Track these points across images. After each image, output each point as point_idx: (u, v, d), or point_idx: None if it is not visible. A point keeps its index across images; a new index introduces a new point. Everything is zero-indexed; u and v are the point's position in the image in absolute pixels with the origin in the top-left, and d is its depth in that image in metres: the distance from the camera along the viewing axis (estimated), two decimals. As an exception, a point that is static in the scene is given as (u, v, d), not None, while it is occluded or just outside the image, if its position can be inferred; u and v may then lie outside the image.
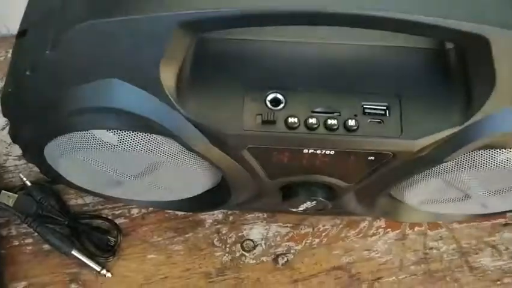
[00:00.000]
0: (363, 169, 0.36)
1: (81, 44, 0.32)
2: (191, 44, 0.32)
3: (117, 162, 0.37)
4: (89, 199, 0.49)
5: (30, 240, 0.47)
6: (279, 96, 0.34)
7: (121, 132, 0.34)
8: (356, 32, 0.34)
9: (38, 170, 0.49)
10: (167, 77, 0.32)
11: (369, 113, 0.34)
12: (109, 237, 0.46)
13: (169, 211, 0.49)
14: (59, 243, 0.45)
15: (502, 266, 0.47)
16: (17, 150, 0.51)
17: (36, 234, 0.47)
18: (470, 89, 0.33)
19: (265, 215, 0.49)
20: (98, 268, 0.45)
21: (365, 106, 0.34)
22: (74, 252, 0.45)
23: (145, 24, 0.31)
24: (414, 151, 0.33)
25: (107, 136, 0.34)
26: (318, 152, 0.34)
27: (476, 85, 0.33)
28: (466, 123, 0.33)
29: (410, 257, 0.47)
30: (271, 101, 0.34)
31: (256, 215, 0.49)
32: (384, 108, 0.34)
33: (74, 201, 0.49)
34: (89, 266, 0.45)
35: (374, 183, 0.38)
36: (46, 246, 0.47)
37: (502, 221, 0.49)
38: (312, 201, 0.39)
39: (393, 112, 0.34)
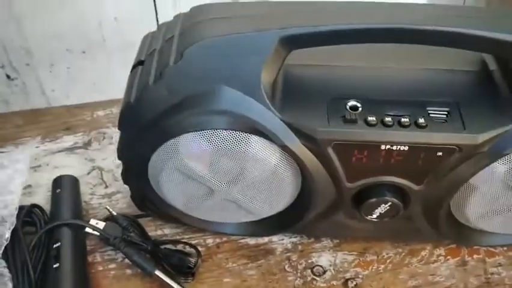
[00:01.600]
0: (432, 167, 0.41)
1: (199, 57, 0.39)
2: (285, 57, 0.40)
3: (214, 166, 0.42)
4: (167, 230, 0.53)
5: (113, 266, 0.50)
6: (357, 103, 0.41)
7: (225, 131, 0.40)
8: (409, 58, 0.42)
9: (120, 208, 0.55)
10: (266, 84, 0.40)
11: (434, 116, 0.40)
12: (189, 258, 0.49)
13: (242, 241, 0.52)
14: (144, 262, 0.48)
15: None
16: (101, 190, 0.57)
17: (119, 260, 0.50)
18: (518, 93, 0.40)
19: (331, 244, 0.52)
20: (178, 288, 0.48)
21: (429, 111, 0.40)
22: (158, 272, 0.48)
23: (250, 40, 0.39)
24: (477, 144, 0.39)
25: (212, 136, 0.40)
26: (394, 148, 0.40)
27: (522, 89, 0.40)
28: (519, 121, 0.39)
29: (473, 281, 0.50)
30: (351, 107, 0.41)
31: (323, 244, 0.52)
32: (446, 112, 0.40)
33: (154, 232, 0.53)
34: (169, 288, 0.48)
35: (441, 186, 0.42)
36: (128, 271, 0.50)
37: (555, 249, 0.52)
38: (386, 203, 0.43)
39: (454, 115, 0.40)
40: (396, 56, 0.44)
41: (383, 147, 0.40)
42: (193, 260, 0.50)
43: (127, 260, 0.50)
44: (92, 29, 0.93)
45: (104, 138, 0.62)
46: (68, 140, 0.62)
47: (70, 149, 0.61)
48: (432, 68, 0.44)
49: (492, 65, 0.43)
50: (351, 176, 0.42)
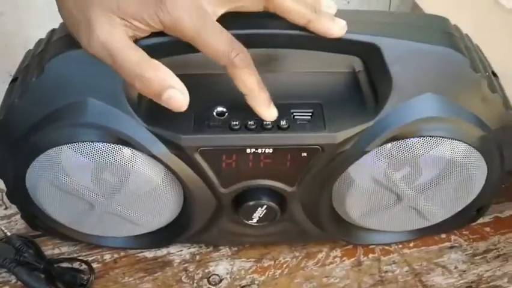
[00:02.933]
0: (300, 168, 0.42)
1: (60, 70, 0.40)
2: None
3: (89, 179, 0.42)
4: (64, 248, 0.53)
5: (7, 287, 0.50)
6: (224, 109, 0.42)
7: (92, 144, 0.40)
8: (278, 61, 0.43)
9: (18, 229, 0.54)
10: (130, 94, 0.40)
11: (298, 118, 0.41)
12: (82, 275, 0.49)
13: (139, 255, 0.52)
14: (34, 282, 0.47)
15: (454, 283, 0.50)
16: (0, 211, 0.56)
17: (12, 282, 0.49)
18: (376, 92, 0.42)
19: (229, 252, 0.52)
20: (70, 306, 0.47)
21: (294, 113, 0.41)
22: (48, 291, 0.47)
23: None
24: (337, 143, 0.40)
25: (80, 148, 0.40)
26: (259, 151, 0.41)
27: (379, 87, 0.41)
28: (376, 119, 0.40)
29: (367, 281, 0.50)
30: (217, 114, 0.41)
31: (221, 252, 0.52)
32: (310, 113, 0.41)
33: (51, 251, 0.52)
34: (61, 306, 0.47)
35: (313, 186, 0.43)
36: (22, 293, 0.49)
37: (448, 244, 0.53)
38: (262, 206, 0.44)
39: (317, 116, 0.41)
40: (267, 60, 0.45)
41: (248, 150, 0.41)
42: (86, 276, 0.49)
43: (20, 281, 0.49)
44: (18, 52, 0.92)
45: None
46: (-30, 164, 0.61)
47: (-27, 173, 0.60)
48: (303, 71, 0.45)
49: (358, 66, 0.45)
50: (225, 182, 0.43)
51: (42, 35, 0.93)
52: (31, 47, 0.96)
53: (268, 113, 0.39)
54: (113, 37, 0.35)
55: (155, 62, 0.36)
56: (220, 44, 0.36)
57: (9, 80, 0.94)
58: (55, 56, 0.40)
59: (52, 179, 0.42)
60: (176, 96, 0.36)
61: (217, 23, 0.37)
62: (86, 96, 0.40)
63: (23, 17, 0.85)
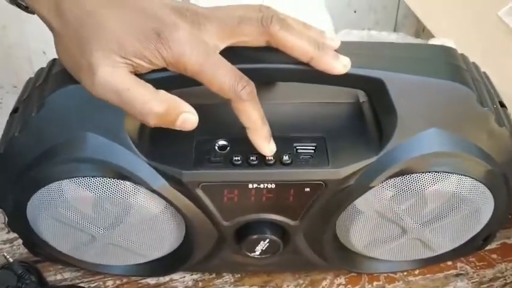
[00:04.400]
0: (303, 203, 0.41)
1: (61, 104, 0.39)
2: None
3: (89, 213, 0.42)
4: (67, 275, 0.52)
5: (8, 315, 0.50)
6: (225, 142, 0.41)
7: (92, 179, 0.40)
8: (283, 92, 0.42)
9: (21, 253, 0.54)
10: (131, 128, 0.40)
11: (301, 152, 0.40)
12: (84, 304, 0.49)
13: (142, 281, 0.52)
14: (35, 311, 0.48)
15: (460, 312, 0.50)
16: (3, 235, 0.56)
17: (15, 308, 0.49)
18: (381, 126, 0.41)
19: (232, 280, 0.52)
20: (71, 335, 0.47)
21: (297, 147, 0.41)
22: (49, 320, 0.47)
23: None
24: (341, 178, 0.39)
25: (81, 183, 0.40)
26: (262, 186, 0.40)
27: (384, 122, 0.41)
28: (381, 153, 0.40)
29: (371, 310, 0.50)
30: (219, 147, 0.41)
31: (224, 279, 0.52)
32: (313, 147, 0.41)
33: (54, 277, 0.52)
34: (63, 336, 0.47)
35: (316, 220, 0.43)
36: (23, 320, 0.49)
37: (453, 272, 0.52)
38: (265, 240, 0.43)
39: (320, 150, 0.41)
40: (268, 91, 0.44)
41: (250, 185, 0.40)
42: (87, 305, 0.49)
43: (22, 309, 0.49)
44: (22, 64, 0.92)
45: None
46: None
47: (-24, 194, 0.60)
48: (306, 102, 0.44)
49: (362, 97, 0.44)
50: (226, 215, 0.42)
51: (45, 47, 0.93)
52: (34, 59, 0.96)
53: (268, 148, 0.39)
54: (117, 77, 0.35)
55: (162, 93, 0.36)
56: (225, 77, 0.36)
57: (13, 91, 0.94)
58: (55, 91, 0.39)
59: (53, 212, 0.42)
60: (189, 118, 0.36)
61: (220, 56, 0.36)
62: (85, 131, 0.39)
63: (26, 30, 0.85)
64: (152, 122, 0.35)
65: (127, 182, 0.40)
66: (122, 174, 0.40)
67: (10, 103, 1.06)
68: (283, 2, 0.52)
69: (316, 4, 0.60)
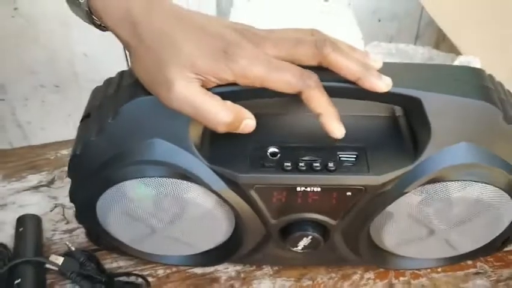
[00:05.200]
0: (344, 205, 0.47)
1: (134, 113, 0.44)
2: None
3: (153, 208, 0.47)
4: (122, 263, 0.58)
5: (71, 298, 0.55)
6: (276, 149, 0.46)
7: (158, 179, 0.45)
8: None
9: (79, 242, 0.60)
10: (194, 135, 0.45)
11: (344, 160, 0.46)
12: (139, 289, 0.54)
13: (190, 271, 0.57)
14: (97, 295, 0.53)
15: (479, 307, 0.55)
16: (62, 226, 0.62)
17: (77, 291, 0.55)
18: (416, 139, 0.46)
19: (271, 272, 0.57)
20: (129, 317, 0.53)
21: (340, 155, 0.46)
22: (110, 303, 0.53)
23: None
24: (379, 184, 0.44)
25: (148, 183, 0.45)
26: (308, 189, 0.45)
27: (419, 135, 0.46)
28: (415, 163, 0.44)
29: (398, 302, 0.55)
30: (270, 154, 0.46)
31: (264, 271, 0.57)
32: (355, 156, 0.46)
33: (110, 265, 0.58)
34: (121, 317, 0.53)
35: (354, 221, 0.48)
36: (84, 303, 0.55)
37: (473, 270, 0.57)
38: (308, 237, 0.48)
39: (361, 158, 0.46)
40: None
41: (298, 189, 0.45)
42: (143, 290, 0.55)
43: (84, 292, 0.55)
44: (63, 65, 0.98)
45: (66, 176, 0.67)
46: (32, 179, 0.67)
47: (35, 188, 0.66)
48: (348, 114, 0.49)
49: (398, 111, 0.49)
50: (275, 214, 0.48)
51: (86, 50, 0.98)
52: (76, 61, 1.01)
53: (339, 130, 0.43)
54: (191, 91, 0.40)
55: (229, 103, 0.42)
56: (290, 74, 0.41)
57: (55, 91, 1.01)
58: (129, 101, 0.44)
59: (121, 207, 0.47)
60: (249, 124, 0.42)
61: (280, 60, 0.41)
62: (154, 137, 0.45)
63: (70, 34, 0.91)
64: (222, 130, 0.41)
65: (187, 182, 0.46)
66: (185, 176, 0.45)
67: (52, 100, 1.12)
68: (321, 24, 0.57)
69: (349, 22, 0.65)
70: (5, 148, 0.89)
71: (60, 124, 1.04)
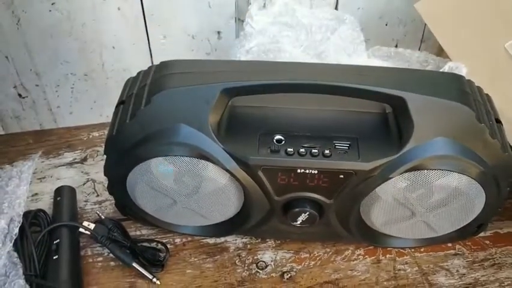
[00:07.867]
0: (337, 186, 0.54)
1: (163, 102, 0.53)
2: (227, 103, 0.54)
3: (175, 183, 0.56)
4: (144, 231, 0.67)
5: (100, 259, 0.64)
6: (281, 137, 0.54)
7: (181, 157, 0.53)
8: (328, 101, 0.55)
9: (108, 212, 0.68)
10: (213, 122, 0.53)
11: (339, 148, 0.53)
12: (160, 253, 0.63)
13: (203, 241, 0.66)
14: (124, 256, 0.62)
15: (454, 283, 0.62)
16: (93, 198, 0.71)
17: (105, 254, 0.64)
18: (401, 132, 0.54)
19: (274, 244, 0.66)
20: (150, 276, 0.61)
21: (335, 144, 0.54)
22: (134, 264, 0.61)
23: (200, 90, 0.53)
24: (367, 170, 0.52)
25: (172, 160, 0.54)
26: (307, 171, 0.53)
27: (404, 130, 0.53)
28: (399, 153, 0.52)
29: (384, 276, 0.63)
30: (276, 140, 0.54)
31: (267, 244, 0.66)
32: (348, 145, 0.54)
33: (134, 232, 0.66)
34: (143, 277, 0.61)
35: (346, 201, 0.56)
36: (112, 263, 0.63)
37: (452, 251, 0.65)
38: (305, 212, 0.56)
39: (353, 147, 0.54)
40: (317, 99, 0.57)
41: (298, 171, 0.53)
42: (163, 254, 0.63)
43: (111, 254, 0.63)
44: (93, 56, 1.06)
45: (97, 155, 0.76)
46: (68, 156, 0.76)
47: (70, 164, 0.75)
48: (344, 109, 0.57)
49: (388, 109, 0.57)
50: (279, 192, 0.56)
51: (114, 43, 1.07)
52: (104, 52, 1.10)
53: None
54: None
55: None
56: None
57: (83, 79, 1.09)
58: (159, 92, 0.53)
59: (148, 181, 0.56)
60: None
61: None
62: (179, 122, 0.53)
63: (100, 28, 0.99)
64: None
65: (205, 161, 0.54)
66: (203, 156, 0.53)
67: (80, 88, 1.21)
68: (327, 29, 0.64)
69: (352, 26, 0.72)
70: (36, 129, 0.98)
71: (87, 109, 1.13)
